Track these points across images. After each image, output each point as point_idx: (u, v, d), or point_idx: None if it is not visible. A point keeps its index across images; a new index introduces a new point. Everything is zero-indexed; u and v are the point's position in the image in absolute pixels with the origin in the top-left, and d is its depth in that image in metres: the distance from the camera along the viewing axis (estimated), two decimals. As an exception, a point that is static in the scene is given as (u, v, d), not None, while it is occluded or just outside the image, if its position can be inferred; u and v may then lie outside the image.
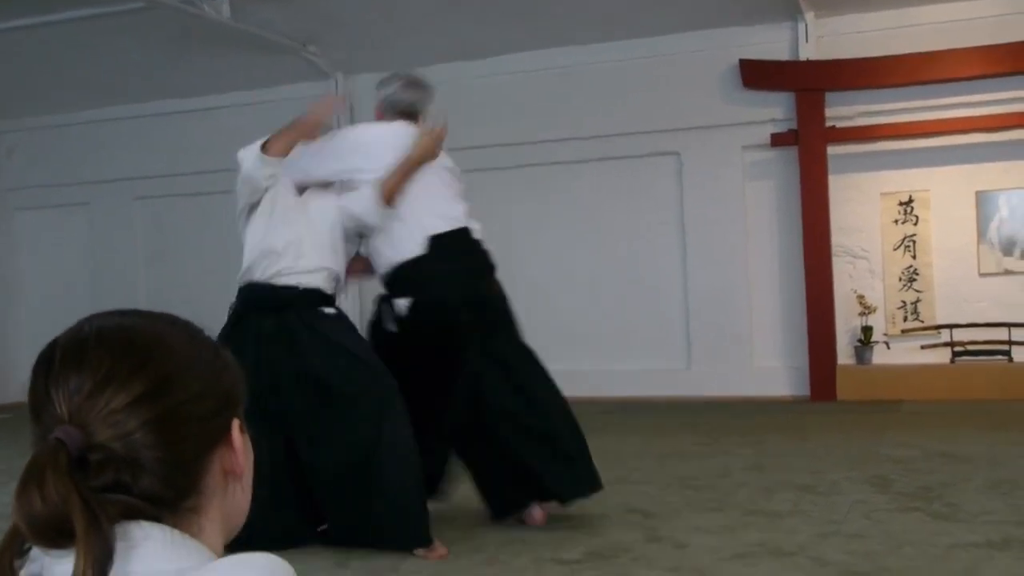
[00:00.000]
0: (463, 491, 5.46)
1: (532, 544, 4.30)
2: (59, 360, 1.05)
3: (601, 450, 6.86)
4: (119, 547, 0.96)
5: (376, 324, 4.82)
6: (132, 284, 11.93)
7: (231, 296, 4.98)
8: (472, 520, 4.82)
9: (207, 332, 1.16)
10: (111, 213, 12.23)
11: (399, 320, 4.64)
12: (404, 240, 4.70)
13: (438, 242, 4.71)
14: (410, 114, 5.04)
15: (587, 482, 4.70)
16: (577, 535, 4.43)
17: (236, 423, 1.12)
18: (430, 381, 4.62)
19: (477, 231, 4.94)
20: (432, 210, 4.80)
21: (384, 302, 4.76)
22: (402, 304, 4.65)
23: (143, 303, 11.92)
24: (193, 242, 11.81)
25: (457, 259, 4.77)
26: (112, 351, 1.05)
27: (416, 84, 5.19)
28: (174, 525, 1.03)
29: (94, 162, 12.18)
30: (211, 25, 9.25)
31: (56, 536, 0.96)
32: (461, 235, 4.84)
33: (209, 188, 11.67)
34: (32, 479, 0.97)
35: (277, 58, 10.44)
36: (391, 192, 4.70)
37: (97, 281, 12.18)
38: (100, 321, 1.10)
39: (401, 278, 4.69)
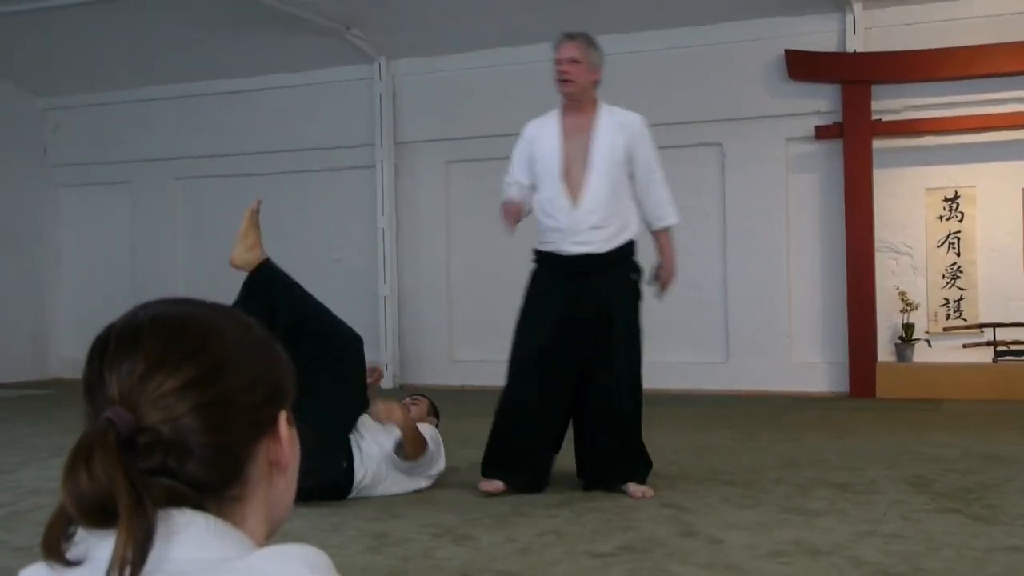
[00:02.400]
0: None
1: (565, 535, 4.28)
2: (114, 343, 1.07)
3: (636, 442, 6.85)
4: (161, 532, 0.97)
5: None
6: (171, 264, 12.00)
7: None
8: (505, 509, 4.82)
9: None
10: (152, 192, 12.30)
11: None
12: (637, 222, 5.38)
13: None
14: None
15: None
16: (610, 528, 4.40)
17: (284, 415, 1.13)
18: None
19: None
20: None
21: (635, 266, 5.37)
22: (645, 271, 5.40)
23: (181, 283, 12.00)
24: (233, 224, 11.78)
25: None
26: (165, 337, 1.07)
27: None
28: (218, 514, 1.04)
29: (137, 141, 12.25)
30: (257, 6, 9.30)
31: (101, 516, 0.97)
32: None
33: (250, 169, 11.73)
34: (80, 457, 0.99)
35: (321, 40, 10.47)
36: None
37: (136, 260, 12.26)
38: (156, 308, 1.12)
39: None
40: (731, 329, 10.08)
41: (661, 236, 5.42)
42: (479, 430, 7.54)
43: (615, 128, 5.10)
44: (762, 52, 9.84)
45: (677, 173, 10.28)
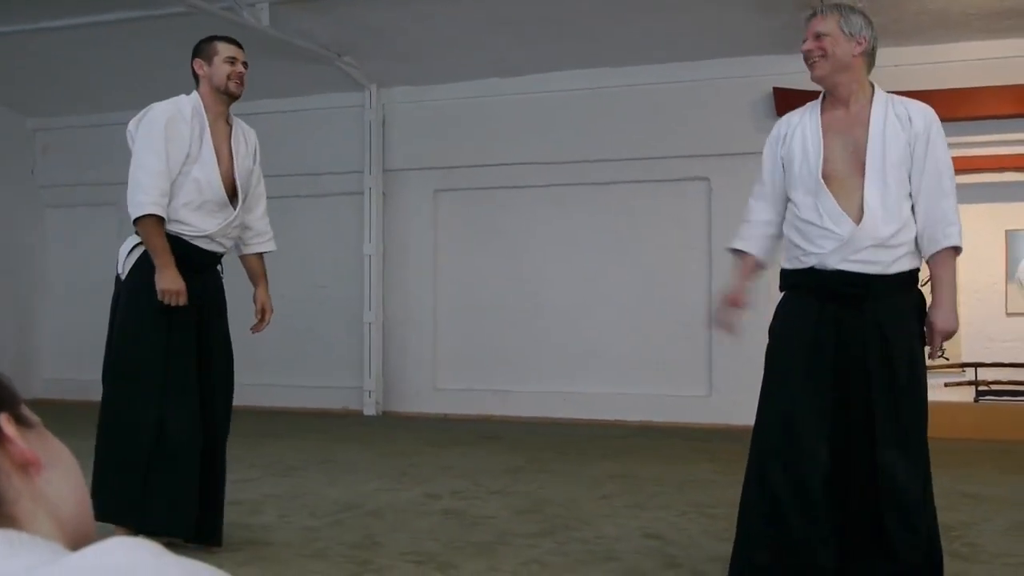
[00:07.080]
0: (483, 510, 5.44)
1: (549, 566, 4.29)
2: None
3: (619, 474, 6.87)
4: None
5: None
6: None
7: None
8: (489, 538, 4.82)
9: None
10: (140, 214, 12.26)
11: None
12: None
13: None
14: None
15: None
16: (594, 558, 4.41)
17: (3, 416, 1.02)
18: None
19: None
20: None
21: None
22: None
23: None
24: (220, 247, 11.85)
25: None
26: None
27: None
28: None
29: (125, 163, 12.19)
30: (249, 32, 9.32)
31: None
32: None
33: (238, 194, 11.71)
34: None
35: (312, 67, 10.50)
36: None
37: (123, 281, 12.22)
38: None
39: None
40: (714, 363, 10.10)
41: (938, 263, 4.21)
42: (460, 457, 7.56)
43: (895, 121, 3.95)
44: (750, 89, 9.93)
45: (663, 207, 10.38)
